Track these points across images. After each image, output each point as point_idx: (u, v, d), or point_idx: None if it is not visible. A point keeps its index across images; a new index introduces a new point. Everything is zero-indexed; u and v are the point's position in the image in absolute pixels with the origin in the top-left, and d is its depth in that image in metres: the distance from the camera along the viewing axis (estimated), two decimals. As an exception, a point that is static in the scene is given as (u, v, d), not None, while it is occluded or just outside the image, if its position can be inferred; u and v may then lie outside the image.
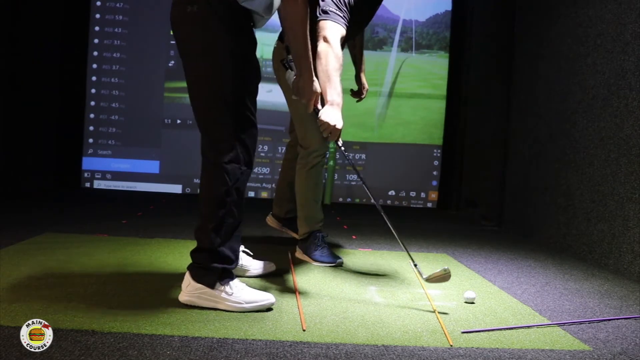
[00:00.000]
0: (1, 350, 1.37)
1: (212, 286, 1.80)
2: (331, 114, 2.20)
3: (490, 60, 4.70)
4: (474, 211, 4.68)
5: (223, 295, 1.80)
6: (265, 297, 1.85)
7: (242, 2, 1.76)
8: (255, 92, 1.88)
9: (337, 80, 2.25)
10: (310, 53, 1.96)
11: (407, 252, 2.17)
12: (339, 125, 2.21)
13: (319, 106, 2.19)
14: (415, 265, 2.11)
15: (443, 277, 2.02)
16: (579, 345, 1.69)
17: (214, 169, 1.79)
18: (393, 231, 2.19)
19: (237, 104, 1.80)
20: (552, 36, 3.68)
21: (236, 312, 1.79)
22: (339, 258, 2.60)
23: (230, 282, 1.82)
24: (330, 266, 2.54)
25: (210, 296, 1.80)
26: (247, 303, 1.81)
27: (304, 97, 2.10)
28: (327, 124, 2.19)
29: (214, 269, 1.80)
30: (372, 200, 2.28)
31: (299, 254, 2.67)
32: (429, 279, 2.05)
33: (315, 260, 2.56)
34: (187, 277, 1.83)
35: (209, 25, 1.75)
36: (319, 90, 2.13)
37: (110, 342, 1.48)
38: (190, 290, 1.81)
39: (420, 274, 2.09)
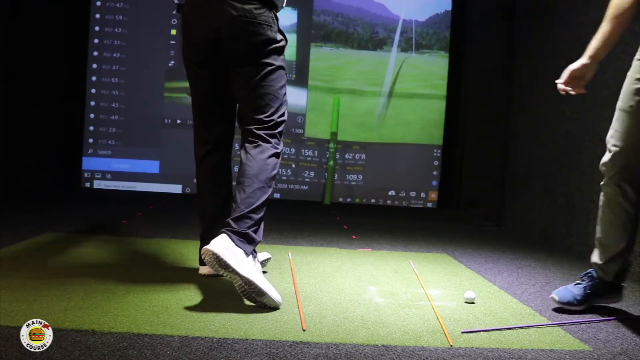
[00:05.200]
0: (1, 350, 1.37)
1: (246, 254, 1.82)
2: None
3: (490, 61, 4.70)
4: (474, 211, 4.68)
5: (252, 264, 1.83)
6: (277, 295, 1.86)
7: None
8: None
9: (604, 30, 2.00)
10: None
11: None
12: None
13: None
14: None
15: None
16: (579, 345, 1.69)
17: (275, 154, 2.00)
18: None
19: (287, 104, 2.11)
20: (552, 36, 3.68)
21: (248, 283, 1.76)
22: None
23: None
24: None
25: (239, 256, 1.78)
26: (264, 284, 1.81)
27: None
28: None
29: (254, 239, 1.87)
30: None
31: None
32: None
33: None
34: (226, 237, 1.81)
35: (272, 23, 2.01)
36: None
37: (110, 342, 1.48)
38: (226, 245, 1.78)
39: None
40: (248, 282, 1.77)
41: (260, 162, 1.96)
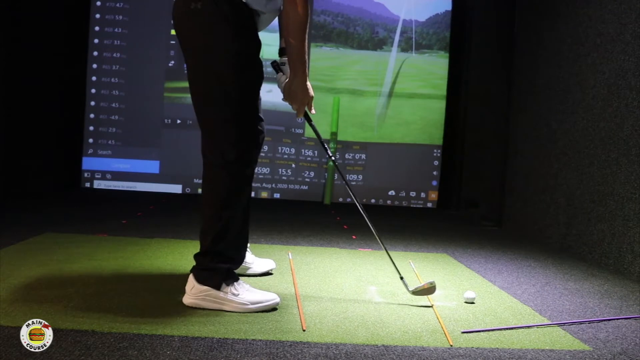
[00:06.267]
0: (1, 350, 1.37)
1: (217, 287, 1.80)
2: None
3: (491, 61, 4.70)
4: (474, 211, 4.68)
5: (229, 296, 1.80)
6: (271, 297, 1.85)
7: None
8: (258, 91, 1.89)
9: None
10: (307, 57, 1.85)
11: (394, 264, 2.07)
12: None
13: (312, 110, 2.00)
14: (402, 279, 2.04)
15: (428, 289, 2.00)
16: (579, 345, 1.69)
17: (218, 170, 1.79)
18: (379, 241, 2.15)
19: (241, 103, 1.79)
20: (552, 36, 3.68)
21: (238, 312, 1.79)
22: None
23: (235, 283, 1.83)
24: None
25: (215, 298, 1.80)
26: (252, 304, 1.81)
27: (295, 101, 1.92)
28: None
29: (219, 269, 1.81)
30: (354, 200, 2.28)
31: None
32: (415, 292, 2.01)
33: None
34: (191, 280, 1.83)
35: (212, 22, 1.74)
36: (311, 93, 1.94)
37: (110, 342, 1.48)
38: (195, 292, 1.81)
39: (407, 287, 2.03)
40: (237, 312, 1.79)
41: (204, 186, 1.83)
